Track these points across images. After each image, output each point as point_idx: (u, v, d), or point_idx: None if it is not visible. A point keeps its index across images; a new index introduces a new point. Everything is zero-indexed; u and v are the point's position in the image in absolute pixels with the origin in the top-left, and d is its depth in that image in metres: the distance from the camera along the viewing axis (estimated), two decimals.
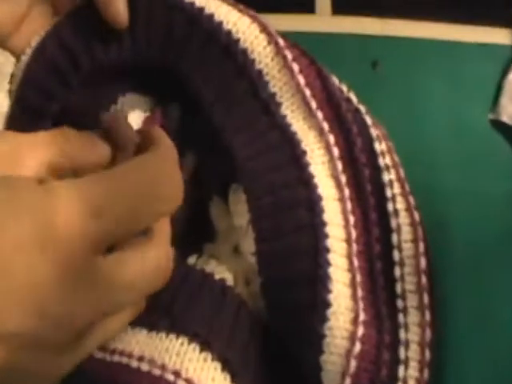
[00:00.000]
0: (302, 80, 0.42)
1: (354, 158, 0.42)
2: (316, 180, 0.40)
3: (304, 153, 0.41)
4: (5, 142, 0.35)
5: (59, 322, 0.31)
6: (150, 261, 0.35)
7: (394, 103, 0.50)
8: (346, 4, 0.55)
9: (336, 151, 0.42)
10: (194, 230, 0.45)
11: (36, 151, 0.35)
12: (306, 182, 0.40)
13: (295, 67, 0.42)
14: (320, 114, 0.42)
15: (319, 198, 0.40)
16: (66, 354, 0.33)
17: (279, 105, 0.42)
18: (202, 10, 0.42)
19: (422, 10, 0.54)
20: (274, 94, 0.42)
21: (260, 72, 0.42)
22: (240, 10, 0.43)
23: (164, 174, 0.35)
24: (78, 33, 0.42)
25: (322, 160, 0.42)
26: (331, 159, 0.42)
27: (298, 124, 0.42)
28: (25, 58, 0.43)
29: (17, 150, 0.35)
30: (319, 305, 0.38)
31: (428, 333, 0.39)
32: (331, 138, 0.42)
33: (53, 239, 0.30)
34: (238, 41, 0.42)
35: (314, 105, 0.42)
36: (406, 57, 0.52)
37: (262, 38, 0.42)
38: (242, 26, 0.42)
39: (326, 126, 0.42)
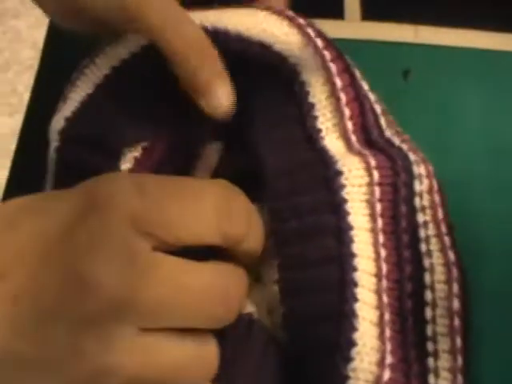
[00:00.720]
0: (338, 82, 0.41)
1: (395, 187, 0.40)
2: (348, 206, 0.38)
3: (338, 173, 0.39)
4: None
5: None
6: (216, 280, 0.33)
7: (426, 117, 0.48)
8: (377, 9, 0.53)
9: (376, 175, 0.40)
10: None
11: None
12: (337, 207, 0.38)
13: (332, 68, 0.41)
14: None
15: (349, 227, 0.38)
16: None
17: (315, 118, 0.40)
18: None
19: (458, 16, 0.51)
20: (312, 105, 0.41)
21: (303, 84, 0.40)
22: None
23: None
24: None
25: (359, 182, 0.39)
26: (370, 183, 0.39)
27: (335, 143, 0.40)
28: (92, 76, 0.41)
29: None
30: (343, 343, 0.36)
31: (460, 379, 0.38)
32: (372, 160, 0.40)
33: None
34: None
35: (347, 112, 0.41)
36: (440, 67, 0.50)
37: (299, 40, 0.40)
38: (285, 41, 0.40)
39: (353, 138, 0.41)
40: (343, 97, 0.41)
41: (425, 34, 0.51)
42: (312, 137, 0.40)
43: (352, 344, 0.36)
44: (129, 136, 0.40)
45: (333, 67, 0.41)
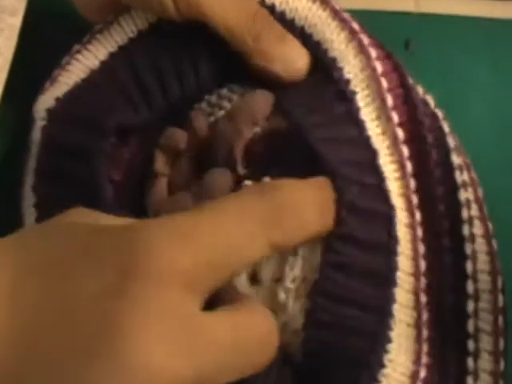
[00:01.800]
0: (379, 67, 0.37)
1: (427, 173, 0.36)
2: (392, 197, 0.35)
3: (379, 164, 0.35)
4: None
5: None
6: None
7: (428, 89, 0.44)
8: None
9: (409, 166, 0.36)
10: None
11: None
12: (386, 196, 0.35)
13: (372, 53, 0.38)
14: (395, 116, 0.37)
15: (396, 221, 0.34)
16: None
17: (354, 94, 0.37)
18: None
19: None
20: (348, 81, 0.37)
21: (334, 60, 0.37)
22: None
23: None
24: (153, 62, 0.38)
25: (394, 176, 0.36)
26: (404, 176, 0.36)
27: (371, 125, 0.36)
28: (86, 62, 0.39)
29: None
30: (381, 338, 0.33)
31: None
32: (405, 150, 0.37)
33: None
34: (310, 35, 0.39)
35: (389, 101, 0.37)
36: (442, 36, 0.47)
37: (335, 25, 0.39)
38: (309, 15, 0.39)
39: (400, 133, 0.37)
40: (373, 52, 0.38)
41: (427, 3, 0.49)
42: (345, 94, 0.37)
43: (388, 340, 0.33)
44: (122, 120, 0.38)
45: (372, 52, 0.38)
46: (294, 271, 0.34)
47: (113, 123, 0.37)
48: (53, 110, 0.38)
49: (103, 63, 0.39)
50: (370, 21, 0.45)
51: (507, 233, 0.40)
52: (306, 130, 0.35)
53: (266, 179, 0.36)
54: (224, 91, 0.39)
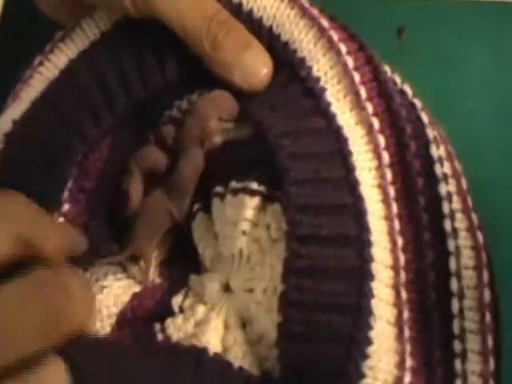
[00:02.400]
0: (350, 62, 0.36)
1: (405, 164, 0.35)
2: (361, 188, 0.33)
3: (350, 154, 0.34)
4: None
5: None
6: None
7: (423, 77, 0.41)
8: None
9: (386, 156, 0.35)
10: (180, 254, 0.38)
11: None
12: (353, 188, 0.33)
13: (342, 48, 0.36)
14: (370, 107, 0.35)
15: (366, 212, 0.32)
16: None
17: (324, 90, 0.35)
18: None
19: None
20: (318, 79, 0.35)
21: (303, 59, 0.36)
22: None
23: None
24: (116, 62, 0.36)
25: (368, 166, 0.34)
26: (379, 166, 0.34)
27: (344, 116, 0.35)
28: (47, 73, 0.38)
29: None
30: (360, 339, 0.31)
31: None
32: (381, 140, 0.35)
33: None
34: (278, 35, 0.37)
35: (363, 93, 0.35)
36: (437, 22, 0.45)
37: (303, 24, 0.37)
38: (277, 14, 0.37)
39: (376, 122, 0.35)
40: (343, 48, 0.36)
41: None
42: (313, 91, 0.36)
43: (368, 342, 0.31)
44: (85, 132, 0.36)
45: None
46: (263, 282, 0.33)
47: (74, 138, 0.36)
48: (10, 134, 0.36)
49: (62, 72, 0.37)
50: (359, 6, 0.45)
51: (508, 221, 0.39)
52: (266, 127, 0.34)
53: (233, 183, 0.35)
54: (194, 97, 0.38)
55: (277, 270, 0.33)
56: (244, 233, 0.34)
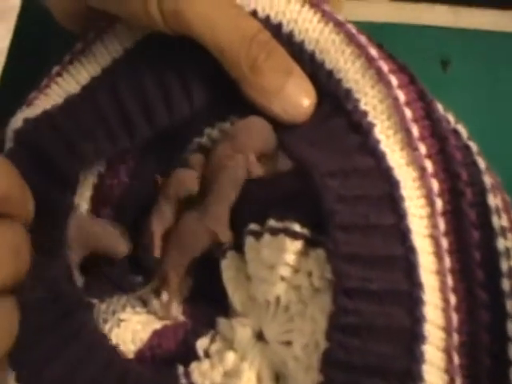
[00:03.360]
0: (401, 97, 0.33)
1: (460, 214, 0.31)
2: (413, 238, 0.30)
3: (402, 198, 0.31)
4: None
5: None
6: None
7: (470, 115, 0.38)
8: None
9: (439, 203, 0.32)
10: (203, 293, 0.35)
11: None
12: (404, 237, 0.30)
13: (393, 81, 0.33)
14: (422, 147, 0.32)
15: (418, 265, 0.30)
16: None
17: (372, 126, 0.32)
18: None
19: None
20: (365, 113, 0.32)
21: (349, 91, 0.33)
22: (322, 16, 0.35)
23: None
24: (138, 86, 0.34)
25: (420, 213, 0.31)
26: (432, 214, 0.31)
27: (394, 156, 0.32)
28: (65, 86, 0.35)
29: None
30: None
31: None
32: (435, 185, 0.32)
33: None
34: (322, 63, 0.34)
35: (415, 132, 0.32)
36: (485, 55, 0.42)
37: (350, 52, 0.34)
38: (320, 38, 0.34)
39: (429, 165, 0.32)
40: (393, 81, 0.33)
41: (467, 18, 0.43)
42: (360, 126, 0.33)
43: None
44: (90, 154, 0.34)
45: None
46: (304, 337, 0.30)
47: (88, 151, 0.33)
48: (20, 131, 0.34)
49: (84, 88, 0.35)
50: (400, 36, 0.42)
51: None
52: (310, 164, 0.31)
53: (271, 222, 0.32)
54: (227, 125, 0.35)
55: (320, 325, 0.30)
56: (283, 278, 0.31)
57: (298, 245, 0.31)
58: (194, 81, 0.33)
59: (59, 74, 0.36)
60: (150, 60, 0.34)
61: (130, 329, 0.33)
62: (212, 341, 0.32)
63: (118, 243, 0.34)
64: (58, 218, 0.33)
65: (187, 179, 0.34)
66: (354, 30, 0.34)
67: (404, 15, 0.44)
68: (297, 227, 0.31)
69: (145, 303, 0.34)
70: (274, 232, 0.32)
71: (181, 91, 0.33)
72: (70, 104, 0.34)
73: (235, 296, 0.33)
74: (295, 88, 0.33)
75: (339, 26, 0.34)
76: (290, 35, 0.34)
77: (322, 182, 0.31)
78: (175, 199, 0.34)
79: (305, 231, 0.31)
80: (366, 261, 0.29)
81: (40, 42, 0.47)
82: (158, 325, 0.33)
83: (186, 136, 0.35)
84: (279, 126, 0.34)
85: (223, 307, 0.33)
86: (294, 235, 0.31)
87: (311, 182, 0.31)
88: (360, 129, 0.33)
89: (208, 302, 0.34)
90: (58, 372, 0.31)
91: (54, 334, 0.31)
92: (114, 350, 0.32)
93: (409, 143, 0.32)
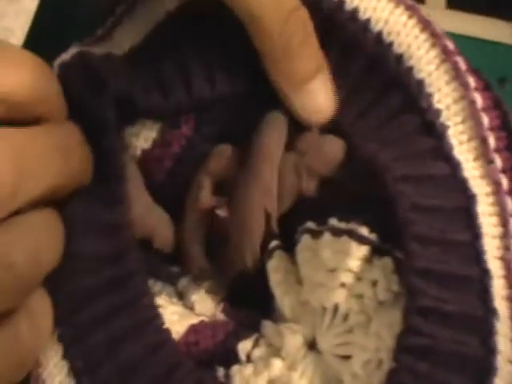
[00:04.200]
0: (478, 100, 0.30)
1: None
2: (488, 259, 0.28)
3: (477, 215, 0.29)
4: None
5: None
6: None
7: None
8: None
9: None
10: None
11: None
12: (479, 258, 0.28)
13: (470, 81, 0.30)
14: (498, 160, 0.30)
15: (493, 289, 0.28)
16: None
17: (446, 128, 0.30)
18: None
19: None
20: (438, 112, 0.30)
21: (421, 83, 0.30)
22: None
23: None
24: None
25: (492, 232, 0.29)
26: (505, 234, 0.29)
27: (468, 166, 0.30)
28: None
29: None
30: None
31: None
32: (509, 203, 0.30)
33: None
34: (390, 44, 0.31)
35: (491, 142, 0.30)
36: None
37: (424, 39, 0.30)
38: (390, 19, 0.31)
39: (504, 181, 0.30)
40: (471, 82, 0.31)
41: None
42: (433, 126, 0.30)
43: None
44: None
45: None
46: (365, 352, 0.28)
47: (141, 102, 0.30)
48: (68, 64, 0.30)
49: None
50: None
51: None
52: (382, 166, 0.29)
53: (333, 221, 0.29)
54: None
55: (385, 342, 0.27)
56: (343, 285, 0.29)
57: (363, 250, 0.29)
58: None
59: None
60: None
61: (166, 318, 0.30)
62: (255, 345, 0.30)
63: (169, 236, 0.31)
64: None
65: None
66: (428, 18, 0.31)
67: (461, 26, 0.42)
68: (364, 231, 0.29)
69: (180, 296, 0.32)
70: (337, 233, 0.29)
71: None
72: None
73: (284, 300, 0.30)
74: (320, 87, 0.30)
75: (412, 9, 0.31)
76: (355, 11, 0.31)
77: (395, 187, 0.28)
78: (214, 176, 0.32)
79: (372, 237, 0.29)
80: (441, 278, 0.27)
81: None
82: (194, 320, 0.30)
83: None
84: (345, 123, 0.31)
85: (267, 309, 0.31)
86: (360, 239, 0.29)
87: (382, 186, 0.28)
88: (433, 130, 0.30)
89: (250, 302, 0.31)
90: (101, 340, 0.28)
91: (105, 297, 0.28)
92: (167, 332, 0.29)
93: (484, 154, 0.30)
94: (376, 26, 0.31)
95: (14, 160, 0.24)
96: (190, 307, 0.31)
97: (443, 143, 0.30)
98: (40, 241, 0.26)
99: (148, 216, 0.31)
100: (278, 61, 0.30)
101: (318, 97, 0.30)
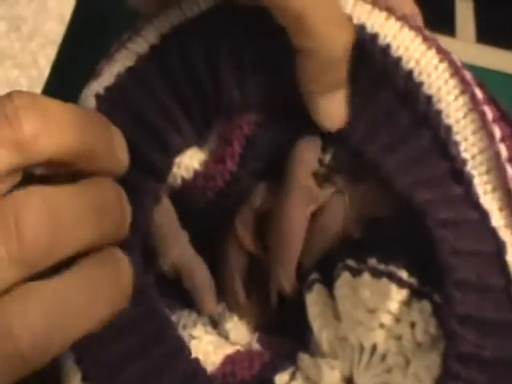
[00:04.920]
0: (503, 152, 0.30)
1: None
2: None
3: (509, 262, 0.29)
4: None
5: None
6: None
7: None
8: (496, 31, 0.43)
9: None
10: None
11: None
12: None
13: (496, 132, 0.30)
14: None
15: None
16: None
17: (472, 177, 0.30)
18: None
19: None
20: (465, 161, 0.30)
21: (449, 129, 0.30)
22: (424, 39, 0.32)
23: None
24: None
25: None
26: None
27: (494, 215, 0.30)
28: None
29: None
30: None
31: None
32: None
33: None
34: (420, 84, 0.31)
35: None
36: None
37: (453, 85, 0.31)
38: (422, 60, 0.31)
39: None
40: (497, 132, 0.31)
41: None
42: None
43: None
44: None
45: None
46: None
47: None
48: (102, 97, 0.31)
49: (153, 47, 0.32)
50: (483, 80, 0.40)
51: None
52: (422, 209, 0.29)
53: (372, 261, 0.30)
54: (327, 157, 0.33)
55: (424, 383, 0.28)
56: (382, 325, 0.29)
57: (403, 293, 0.29)
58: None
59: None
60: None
61: (202, 349, 0.30)
62: (292, 378, 0.30)
63: (206, 276, 0.32)
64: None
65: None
66: (459, 63, 0.32)
67: (490, 60, 0.43)
68: (404, 274, 0.29)
69: (215, 324, 0.32)
70: (376, 274, 0.30)
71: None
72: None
73: (322, 334, 0.31)
74: (344, 97, 0.31)
75: (443, 53, 0.31)
76: (387, 47, 0.31)
77: (436, 232, 0.29)
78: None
79: (412, 281, 0.29)
80: (479, 324, 0.28)
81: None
82: (230, 349, 0.31)
83: None
84: (381, 159, 0.31)
85: (304, 341, 0.32)
86: (400, 282, 0.29)
87: (423, 230, 0.29)
88: (462, 178, 0.31)
89: (287, 334, 0.32)
90: (133, 376, 0.28)
91: (133, 332, 0.29)
92: (197, 362, 0.30)
93: (509, 205, 0.31)
94: (407, 65, 0.31)
95: (49, 219, 0.25)
96: (225, 335, 0.32)
97: (471, 191, 0.30)
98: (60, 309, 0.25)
99: (184, 259, 0.32)
100: (317, 64, 0.30)
101: (342, 105, 0.31)
